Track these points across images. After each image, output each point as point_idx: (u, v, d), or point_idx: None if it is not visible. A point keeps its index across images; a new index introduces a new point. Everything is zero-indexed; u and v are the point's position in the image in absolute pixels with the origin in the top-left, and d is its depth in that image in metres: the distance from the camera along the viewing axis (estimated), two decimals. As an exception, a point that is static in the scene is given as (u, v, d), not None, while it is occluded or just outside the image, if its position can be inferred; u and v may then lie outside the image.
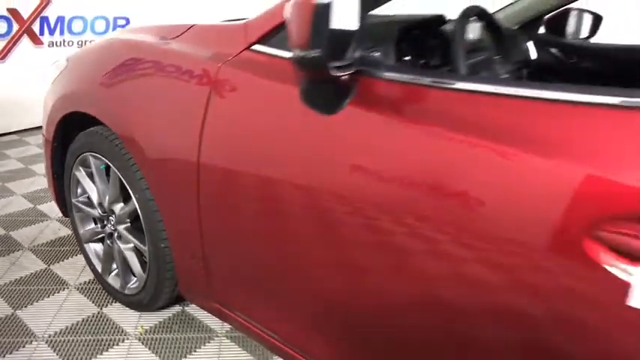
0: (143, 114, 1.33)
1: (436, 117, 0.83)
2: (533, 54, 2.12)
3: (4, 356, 1.44)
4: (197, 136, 1.14)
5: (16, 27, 3.30)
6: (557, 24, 2.14)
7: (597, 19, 2.16)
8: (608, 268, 0.64)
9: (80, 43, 3.64)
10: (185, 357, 1.48)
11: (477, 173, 0.76)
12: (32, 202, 2.44)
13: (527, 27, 2.16)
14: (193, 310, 1.69)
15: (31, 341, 1.50)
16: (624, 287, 0.63)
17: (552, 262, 0.69)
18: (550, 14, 2.16)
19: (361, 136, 0.88)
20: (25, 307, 1.66)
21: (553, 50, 2.12)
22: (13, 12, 3.27)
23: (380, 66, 0.91)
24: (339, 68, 0.81)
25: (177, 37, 1.29)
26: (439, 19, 1.31)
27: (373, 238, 0.89)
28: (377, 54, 1.17)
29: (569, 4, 2.12)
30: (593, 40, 2.17)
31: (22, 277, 1.82)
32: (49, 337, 1.52)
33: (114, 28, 3.82)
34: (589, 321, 0.68)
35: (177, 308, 1.69)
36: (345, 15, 0.75)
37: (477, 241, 0.76)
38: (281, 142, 1.00)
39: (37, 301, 1.69)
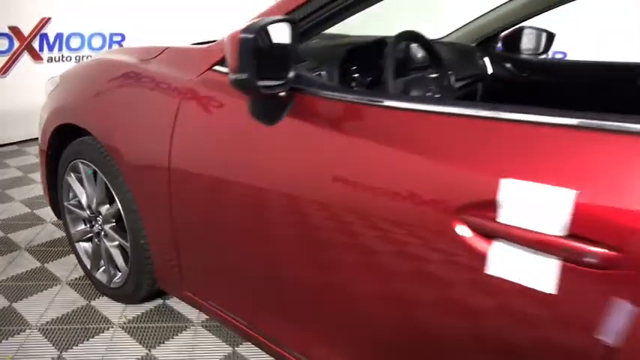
0: (124, 125, 1.51)
1: (357, 129, 1.00)
2: (490, 69, 2.31)
3: (1, 342, 1.61)
4: (167, 144, 1.33)
5: (17, 44, 3.51)
6: (513, 41, 2.33)
7: (550, 37, 2.35)
8: (471, 243, 0.81)
9: (78, 58, 3.85)
10: (163, 342, 1.65)
11: (386, 176, 0.93)
12: (30, 207, 2.62)
13: (485, 44, 2.35)
14: (173, 302, 1.86)
15: (25, 329, 1.67)
16: (483, 259, 0.80)
17: (437, 240, 0.86)
18: (506, 32, 2.35)
19: (296, 143, 1.07)
20: (21, 300, 1.83)
21: (508, 65, 2.31)
22: (15, 30, 3.48)
23: (313, 84, 1.08)
24: (273, 87, 1.00)
25: (153, 58, 1.48)
26: (381, 42, 1.50)
27: (309, 231, 1.07)
28: (323, 73, 1.37)
29: (523, 22, 2.30)
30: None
31: (18, 274, 1.99)
32: (42, 325, 1.70)
33: (110, 44, 4.03)
34: (459, 285, 0.85)
35: (158, 301, 1.86)
36: (271, 44, 0.94)
37: (388, 227, 0.93)
38: (234, 148, 1.19)
39: (31, 295, 1.86)
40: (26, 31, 3.54)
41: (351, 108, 1.04)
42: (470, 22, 2.38)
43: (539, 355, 0.79)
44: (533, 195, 0.74)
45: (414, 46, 1.57)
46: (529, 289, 0.76)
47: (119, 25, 4.01)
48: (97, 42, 3.95)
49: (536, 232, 0.74)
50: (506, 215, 0.77)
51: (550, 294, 0.74)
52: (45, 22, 3.62)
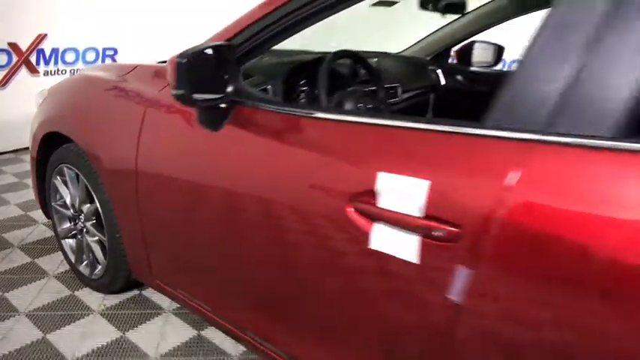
0: (101, 133, 1.72)
1: (285, 136, 1.21)
2: (442, 81, 2.52)
3: (-8, 326, 1.81)
4: (135, 150, 1.53)
5: (15, 58, 3.74)
6: (465, 54, 2.54)
7: (500, 50, 2.56)
8: (359, 224, 1.01)
9: (72, 71, 4.08)
10: (136, 327, 1.84)
11: (303, 174, 1.13)
12: (24, 210, 2.83)
13: (439, 57, 2.57)
14: (149, 293, 2.05)
15: (15, 315, 1.87)
16: (368, 236, 1.00)
17: (337, 221, 1.06)
18: (458, 46, 2.56)
19: (233, 147, 1.27)
20: (12, 290, 2.03)
21: (459, 77, 2.52)
22: (13, 46, 3.71)
23: (251, 97, 1.29)
24: (212, 100, 1.20)
25: (126, 74, 1.69)
26: (322, 59, 1.70)
27: (248, 224, 1.27)
28: (269, 87, 1.58)
29: (474, 35, 2.52)
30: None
31: (10, 268, 2.19)
32: (29, 312, 1.90)
33: (103, 58, 4.26)
34: (351, 255, 1.05)
35: (135, 292, 2.06)
36: (208, 65, 1.15)
37: (303, 214, 1.13)
38: (186, 151, 1.39)
39: (21, 286, 2.06)
40: (24, 46, 3.77)
41: (283, 119, 1.24)
42: (426, 37, 2.60)
43: (408, 307, 0.99)
44: (400, 185, 0.94)
45: (351, 62, 1.78)
46: (399, 258, 0.96)
47: (111, 40, 4.24)
48: (90, 56, 4.18)
49: (402, 214, 0.94)
50: (383, 201, 0.97)
51: (414, 263, 0.94)
52: (42, 38, 3.85)
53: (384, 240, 0.98)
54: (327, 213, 1.07)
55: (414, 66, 2.34)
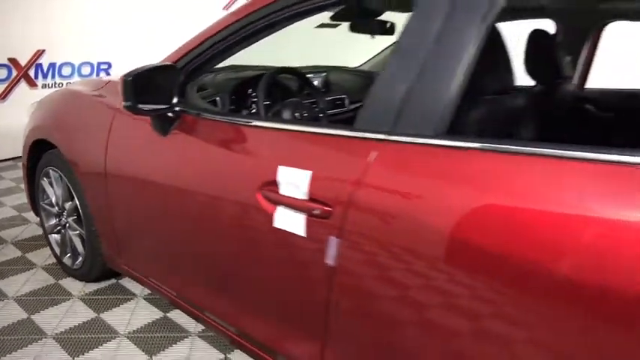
0: (77, 139, 2.00)
1: (220, 140, 1.47)
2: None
3: (-16, 309, 2.07)
4: (104, 153, 1.80)
5: (15, 73, 4.05)
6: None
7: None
8: (265, 208, 1.27)
9: (69, 84, 4.38)
10: (110, 309, 2.10)
11: (230, 171, 1.39)
12: (19, 211, 3.11)
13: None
14: (124, 282, 2.31)
15: (4, 299, 2.14)
16: (272, 217, 1.26)
17: (246, 208, 1.31)
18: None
19: (177, 148, 1.54)
20: (3, 279, 2.30)
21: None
22: (13, 61, 4.02)
23: (194, 107, 1.55)
24: (158, 110, 1.47)
25: (100, 88, 1.97)
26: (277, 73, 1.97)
27: (193, 215, 1.53)
28: (218, 99, 1.85)
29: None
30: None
31: (3, 261, 2.46)
32: (17, 297, 2.16)
33: (98, 72, 4.56)
34: (260, 233, 1.30)
35: (112, 280, 2.32)
36: (154, 81, 1.42)
37: (227, 200, 1.39)
38: (144, 153, 1.66)
39: (11, 276, 2.33)
40: (23, 61, 4.08)
41: (218, 125, 1.50)
42: (380, 53, 2.86)
43: (302, 269, 1.24)
44: (292, 176, 1.20)
45: (291, 77, 2.05)
46: (293, 234, 1.21)
47: (106, 55, 4.54)
48: (86, 70, 4.48)
49: (293, 198, 1.20)
50: (282, 189, 1.23)
51: (302, 236, 1.19)
52: (40, 53, 4.16)
53: (283, 219, 1.24)
54: (245, 200, 1.33)
55: (364, 79, 2.60)
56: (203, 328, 1.99)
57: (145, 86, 1.42)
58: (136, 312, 2.09)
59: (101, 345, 1.87)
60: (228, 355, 1.83)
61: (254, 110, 2.00)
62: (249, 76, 1.99)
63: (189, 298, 1.70)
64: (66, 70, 4.36)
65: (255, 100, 1.99)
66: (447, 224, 0.95)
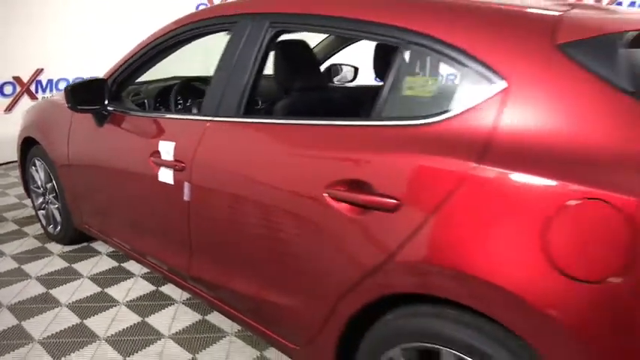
0: (51, 135, 2.72)
1: (134, 128, 2.17)
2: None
3: (-12, 263, 2.80)
4: (66, 143, 2.52)
5: (18, 88, 4.84)
6: (328, 73, 3.47)
7: (355, 70, 3.49)
8: (153, 169, 1.96)
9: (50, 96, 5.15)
10: (81, 261, 2.81)
11: (139, 149, 2.09)
12: (19, 199, 3.86)
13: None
14: (94, 244, 3.03)
15: (3, 256, 2.87)
16: (157, 175, 1.95)
17: (144, 171, 2.01)
18: (324, 68, 3.49)
19: (109, 137, 2.25)
20: (2, 244, 3.03)
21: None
22: (17, 78, 4.81)
23: (120, 107, 2.26)
24: (94, 110, 2.18)
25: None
26: (186, 82, 2.67)
27: (132, 185, 2.23)
28: (146, 101, 2.56)
29: (331, 56, 3.43)
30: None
31: (3, 233, 3.20)
32: (13, 255, 2.89)
33: (89, 85, 5.32)
34: (154, 189, 1.99)
35: (84, 244, 3.03)
36: (89, 89, 2.13)
37: (138, 172, 2.08)
38: (90, 140, 2.38)
39: (9, 242, 3.06)
40: (25, 78, 4.87)
41: (134, 118, 2.20)
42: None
43: (175, 205, 1.92)
44: (165, 146, 1.89)
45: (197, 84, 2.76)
46: (169, 183, 1.90)
47: (96, 71, 5.29)
48: (79, 84, 5.25)
49: (166, 160, 1.88)
50: (162, 155, 1.92)
51: (171, 184, 1.87)
52: (39, 72, 4.94)
53: (162, 175, 1.93)
54: (143, 166, 2.02)
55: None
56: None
57: (84, 93, 2.13)
58: (100, 262, 2.80)
59: (68, 283, 2.58)
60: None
61: (180, 108, 2.71)
62: (170, 84, 2.70)
63: (130, 244, 2.39)
64: (62, 85, 5.13)
65: (181, 101, 2.70)
66: (240, 169, 1.64)
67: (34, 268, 2.74)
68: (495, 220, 1.07)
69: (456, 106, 1.20)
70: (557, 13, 1.18)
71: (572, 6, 1.28)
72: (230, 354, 2.01)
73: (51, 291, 2.50)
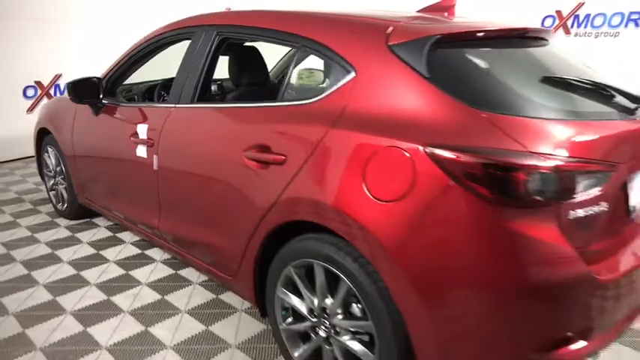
0: (60, 125, 3.29)
1: (122, 116, 2.70)
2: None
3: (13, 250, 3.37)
4: (71, 132, 3.08)
5: (39, 91, 5.48)
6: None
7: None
8: (133, 147, 2.49)
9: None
10: (82, 231, 3.36)
11: (124, 132, 2.62)
12: (37, 185, 4.45)
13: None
14: (96, 220, 3.57)
15: (16, 227, 3.43)
16: (136, 151, 2.47)
17: (127, 149, 2.53)
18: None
19: (104, 123, 2.79)
20: (19, 219, 3.60)
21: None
22: (38, 83, 5.45)
23: (113, 99, 2.80)
24: (91, 102, 2.73)
25: (73, 94, 3.27)
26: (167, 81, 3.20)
27: (121, 164, 2.76)
28: (136, 97, 3.11)
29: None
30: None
31: (21, 210, 3.78)
32: (27, 226, 3.45)
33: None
34: (134, 163, 2.51)
35: (87, 219, 3.58)
36: (86, 86, 2.68)
37: (126, 153, 2.61)
38: (89, 127, 2.92)
39: (26, 217, 3.63)
40: (45, 82, 5.50)
41: (124, 109, 2.74)
42: (274, 65, 4.05)
43: (147, 174, 2.44)
44: (141, 128, 2.41)
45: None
46: (142, 157, 2.42)
47: (108, 76, 5.92)
48: (92, 88, 5.88)
49: (141, 139, 2.41)
50: (139, 135, 2.44)
51: (145, 157, 2.40)
52: (58, 77, 5.58)
53: (139, 151, 2.45)
54: (127, 145, 2.54)
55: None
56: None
57: (82, 88, 2.68)
58: (98, 232, 3.34)
59: (70, 247, 3.12)
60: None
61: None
62: (155, 83, 3.24)
63: (120, 212, 2.92)
64: (78, 89, 5.76)
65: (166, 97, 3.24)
66: (190, 141, 2.15)
67: (44, 236, 3.29)
68: (339, 164, 1.55)
69: (326, 90, 1.69)
70: (397, 23, 1.66)
71: (416, 17, 1.77)
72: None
73: (56, 252, 3.04)
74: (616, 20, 4.60)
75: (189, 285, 2.63)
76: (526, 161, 1.28)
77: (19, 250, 3.07)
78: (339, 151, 1.56)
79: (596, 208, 1.38)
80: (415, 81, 1.49)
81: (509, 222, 1.29)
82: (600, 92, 1.66)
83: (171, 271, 2.79)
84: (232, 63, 2.43)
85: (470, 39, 1.63)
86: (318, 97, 1.70)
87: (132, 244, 3.17)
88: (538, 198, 1.29)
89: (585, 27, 4.86)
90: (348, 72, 1.64)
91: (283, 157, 1.71)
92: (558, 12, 5.06)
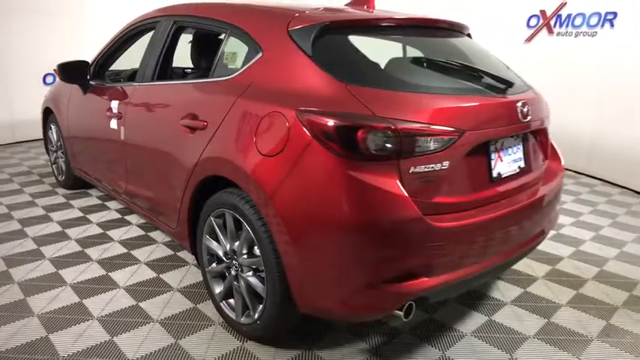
0: (59, 105, 3.73)
1: (105, 95, 3.11)
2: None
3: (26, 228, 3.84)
4: (67, 109, 3.52)
5: (57, 78, 6.00)
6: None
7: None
8: (108, 121, 2.88)
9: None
10: (77, 199, 3.79)
11: (102, 109, 3.02)
12: (47, 161, 4.95)
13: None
14: (92, 191, 4.01)
15: (21, 193, 3.90)
16: (110, 124, 2.87)
17: (105, 122, 2.93)
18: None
19: (90, 101, 3.20)
20: (26, 187, 4.08)
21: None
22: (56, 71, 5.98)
23: (99, 80, 3.21)
24: (80, 82, 3.16)
25: (71, 77, 3.70)
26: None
27: (105, 139, 3.17)
28: (122, 79, 3.52)
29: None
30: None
31: (30, 180, 4.26)
32: (30, 193, 3.92)
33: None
34: (110, 135, 2.91)
35: (82, 190, 4.02)
36: (75, 69, 3.10)
37: (104, 127, 3.01)
38: (79, 105, 3.35)
39: (31, 186, 4.10)
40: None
41: (108, 88, 3.14)
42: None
43: (116, 144, 2.83)
44: (113, 105, 2.81)
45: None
46: (114, 128, 2.81)
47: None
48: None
49: (113, 112, 2.80)
50: (112, 110, 2.83)
51: (116, 129, 2.78)
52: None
53: (112, 123, 2.84)
54: (104, 118, 2.94)
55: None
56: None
57: (70, 70, 3.10)
58: (90, 201, 3.77)
59: (62, 210, 3.55)
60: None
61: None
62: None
63: (102, 179, 3.33)
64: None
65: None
66: (145, 113, 2.53)
67: (42, 201, 3.75)
68: (240, 127, 1.88)
69: (241, 68, 2.02)
70: (301, 12, 1.98)
71: (322, 9, 2.08)
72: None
73: (49, 214, 3.49)
74: (594, 20, 4.73)
75: (184, 265, 3.01)
76: (366, 122, 1.58)
77: (18, 211, 3.52)
78: (241, 117, 1.89)
79: (437, 167, 1.66)
80: (301, 59, 1.81)
81: (355, 173, 1.59)
82: (471, 74, 1.93)
83: (141, 232, 3.17)
84: (192, 49, 2.79)
85: (353, 26, 1.93)
86: (235, 74, 2.03)
87: (116, 210, 3.58)
88: (377, 153, 1.58)
89: (567, 27, 5.01)
90: (257, 53, 1.97)
91: (205, 123, 2.05)
92: (542, 11, 5.23)
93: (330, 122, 1.60)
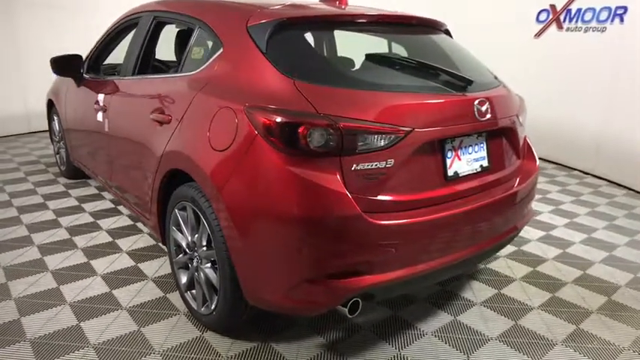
0: (59, 98, 3.85)
1: (95, 87, 3.20)
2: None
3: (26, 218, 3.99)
4: (64, 101, 3.63)
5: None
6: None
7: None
8: (96, 112, 2.97)
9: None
10: (76, 188, 3.92)
11: (90, 101, 3.11)
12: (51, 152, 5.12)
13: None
14: (91, 181, 4.13)
15: (24, 182, 4.05)
16: (97, 116, 2.95)
17: (93, 114, 3.02)
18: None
19: (84, 93, 3.29)
20: (30, 176, 4.23)
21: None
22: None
23: (92, 73, 3.30)
24: (74, 75, 3.25)
25: (70, 70, 3.82)
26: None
27: (99, 132, 3.27)
28: (109, 69, 3.61)
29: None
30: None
31: (34, 170, 4.42)
32: (33, 182, 4.07)
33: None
34: (97, 127, 2.99)
35: (82, 180, 4.15)
36: (69, 62, 3.20)
37: (93, 118, 3.10)
38: (74, 97, 3.45)
39: (34, 175, 4.26)
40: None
41: (99, 81, 3.23)
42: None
43: (101, 135, 2.91)
44: (100, 98, 2.88)
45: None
46: (100, 120, 2.89)
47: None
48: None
49: (99, 106, 2.88)
50: (100, 103, 2.92)
51: (101, 120, 2.87)
52: (88, 58, 6.28)
53: (98, 116, 2.92)
54: (93, 110, 3.03)
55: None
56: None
57: (62, 64, 3.20)
58: (89, 190, 3.89)
59: (60, 199, 3.68)
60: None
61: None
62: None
63: (93, 169, 3.43)
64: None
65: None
66: (124, 105, 2.59)
67: (42, 190, 3.89)
68: (196, 121, 1.91)
69: (204, 63, 2.05)
70: (262, 9, 1.99)
71: (284, 5, 2.08)
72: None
73: (46, 202, 3.61)
74: (604, 15, 4.57)
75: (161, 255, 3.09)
76: (307, 119, 1.58)
77: (19, 198, 3.67)
78: (198, 112, 1.92)
79: (382, 165, 1.65)
80: (256, 55, 1.82)
81: (297, 169, 1.59)
82: (431, 72, 1.91)
83: (130, 222, 3.26)
84: (175, 44, 2.84)
85: (309, 23, 1.93)
86: (199, 69, 2.06)
87: (110, 200, 3.69)
88: (318, 150, 1.58)
89: (577, 22, 4.85)
90: (219, 48, 1.99)
91: (170, 117, 2.09)
92: (552, 6, 5.08)
93: (273, 119, 1.61)
